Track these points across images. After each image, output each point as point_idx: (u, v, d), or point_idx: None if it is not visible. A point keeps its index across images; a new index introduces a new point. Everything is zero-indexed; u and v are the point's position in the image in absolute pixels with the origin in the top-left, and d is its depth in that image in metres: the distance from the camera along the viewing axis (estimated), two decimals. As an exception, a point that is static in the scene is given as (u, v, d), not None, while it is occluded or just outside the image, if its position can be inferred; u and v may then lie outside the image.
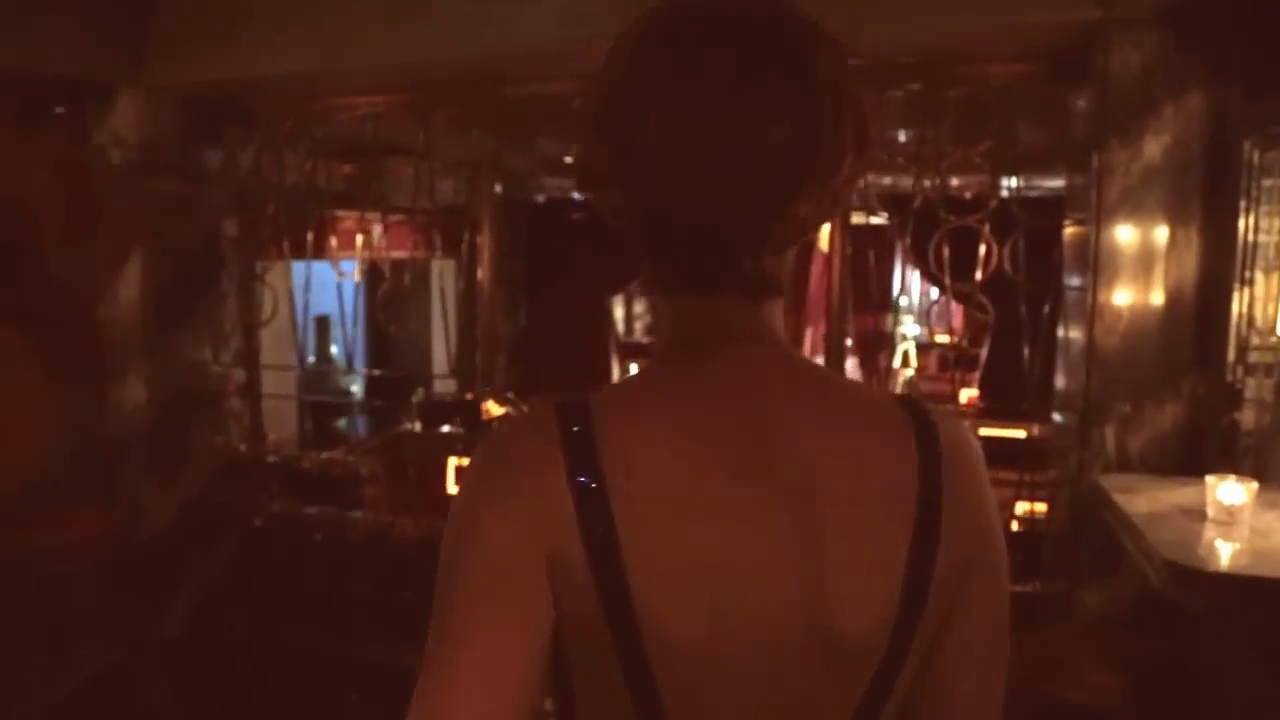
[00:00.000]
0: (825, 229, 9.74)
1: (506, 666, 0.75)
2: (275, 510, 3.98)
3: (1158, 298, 2.50)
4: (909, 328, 11.32)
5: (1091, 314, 2.51)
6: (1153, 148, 2.45)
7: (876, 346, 11.17)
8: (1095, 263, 2.52)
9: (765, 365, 0.85)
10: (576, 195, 7.20)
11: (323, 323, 5.75)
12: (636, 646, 0.77)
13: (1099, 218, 2.52)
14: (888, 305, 11.50)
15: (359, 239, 4.49)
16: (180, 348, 3.75)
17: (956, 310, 11.77)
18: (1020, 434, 6.63)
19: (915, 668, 0.84)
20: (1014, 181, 3.40)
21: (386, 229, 4.08)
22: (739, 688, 0.80)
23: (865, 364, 11.23)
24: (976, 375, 6.87)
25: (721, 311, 0.85)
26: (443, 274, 6.60)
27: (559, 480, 0.78)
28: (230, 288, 4.11)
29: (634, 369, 7.63)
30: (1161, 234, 2.50)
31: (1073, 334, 2.70)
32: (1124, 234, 2.50)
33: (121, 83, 3.51)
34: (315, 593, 3.88)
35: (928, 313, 9.17)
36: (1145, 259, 2.49)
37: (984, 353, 6.81)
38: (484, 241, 3.58)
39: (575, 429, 0.79)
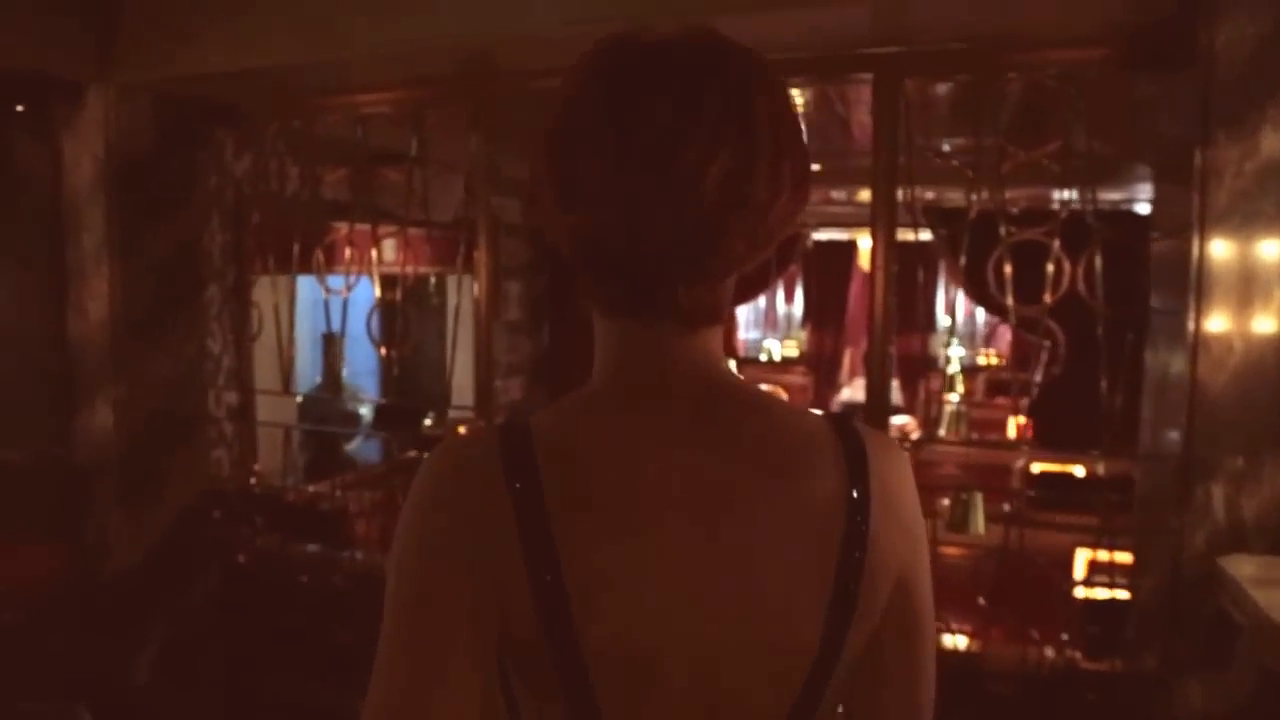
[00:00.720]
0: (866, 245, 9.22)
1: (451, 672, 0.79)
2: (259, 546, 3.63)
3: (1275, 326, 2.06)
4: (953, 349, 10.85)
5: (1194, 346, 2.07)
6: (1272, 143, 2.02)
7: (920, 369, 10.69)
8: (1198, 284, 2.08)
9: (693, 390, 0.87)
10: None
11: (331, 341, 5.41)
12: (575, 658, 0.80)
13: (1202, 229, 2.08)
14: (931, 326, 11.02)
15: (371, 252, 4.16)
16: (155, 367, 3.41)
17: (1004, 332, 11.27)
18: (1078, 470, 6.22)
19: (847, 673, 0.88)
20: (1075, 192, 2.93)
21: (403, 242, 3.70)
22: (676, 695, 0.83)
23: (907, 386, 10.74)
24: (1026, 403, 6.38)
25: (656, 337, 0.87)
26: (462, 290, 6.26)
27: (501, 499, 0.81)
28: (217, 303, 3.78)
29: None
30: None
31: (1170, 367, 2.25)
32: (1233, 248, 2.06)
33: (90, 79, 3.19)
34: (299, 638, 3.52)
35: (988, 335, 8.67)
36: (1261, 279, 2.05)
37: (1037, 378, 6.32)
38: (480, 257, 3.20)
39: (516, 449, 0.82)
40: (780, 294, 11.27)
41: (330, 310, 4.14)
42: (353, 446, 5.66)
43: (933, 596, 0.93)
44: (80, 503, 3.35)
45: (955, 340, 10.91)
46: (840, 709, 0.92)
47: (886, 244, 2.91)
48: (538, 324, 6.97)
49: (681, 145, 0.77)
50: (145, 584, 3.38)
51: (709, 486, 0.83)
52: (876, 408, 2.88)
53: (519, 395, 6.75)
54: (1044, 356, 6.26)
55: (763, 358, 10.33)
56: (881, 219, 2.91)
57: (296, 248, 3.49)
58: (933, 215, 6.41)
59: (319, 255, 3.60)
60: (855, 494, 0.85)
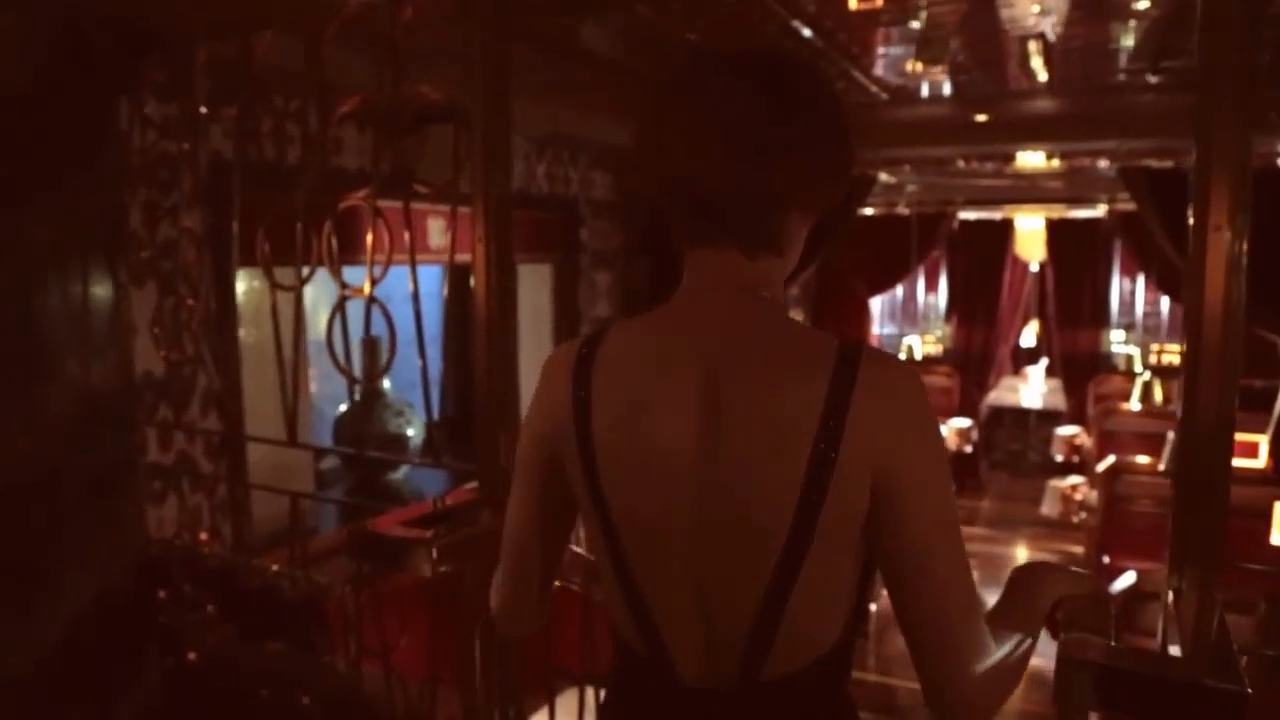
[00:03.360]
0: (1023, 225, 7.73)
1: (523, 529, 1.22)
2: (211, 643, 2.63)
3: None
4: (1127, 346, 9.21)
5: None
6: None
7: (1088, 369, 9.13)
8: None
9: (734, 307, 1.06)
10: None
11: (370, 347, 4.41)
12: (607, 518, 1.09)
13: None
14: (1103, 319, 9.43)
15: (404, 236, 3.07)
16: (43, 403, 2.43)
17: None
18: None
19: (819, 559, 1.02)
20: None
21: (451, 222, 2.51)
22: (677, 558, 1.06)
23: (1072, 391, 9.16)
24: (1268, 435, 4.88)
25: (721, 261, 1.07)
26: (534, 283, 5.20)
27: (565, 390, 1.10)
28: (168, 307, 2.78)
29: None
30: None
31: None
32: None
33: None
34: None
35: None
36: None
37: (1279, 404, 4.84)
38: (480, 232, 2.06)
39: (584, 351, 1.11)
40: (921, 282, 9.82)
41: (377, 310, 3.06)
42: (399, 475, 4.66)
43: (943, 496, 1.04)
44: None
45: (1121, 334, 9.28)
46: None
47: (1238, 173, 1.46)
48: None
49: (730, 99, 1.01)
50: (39, 703, 2.41)
51: (710, 390, 1.03)
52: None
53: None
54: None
55: (901, 355, 8.92)
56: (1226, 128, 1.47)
57: (300, 228, 2.33)
58: (1134, 176, 5.01)
59: (331, 242, 2.36)
60: (833, 399, 0.99)
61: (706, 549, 1.04)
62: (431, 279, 8.70)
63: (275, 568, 2.51)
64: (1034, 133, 5.09)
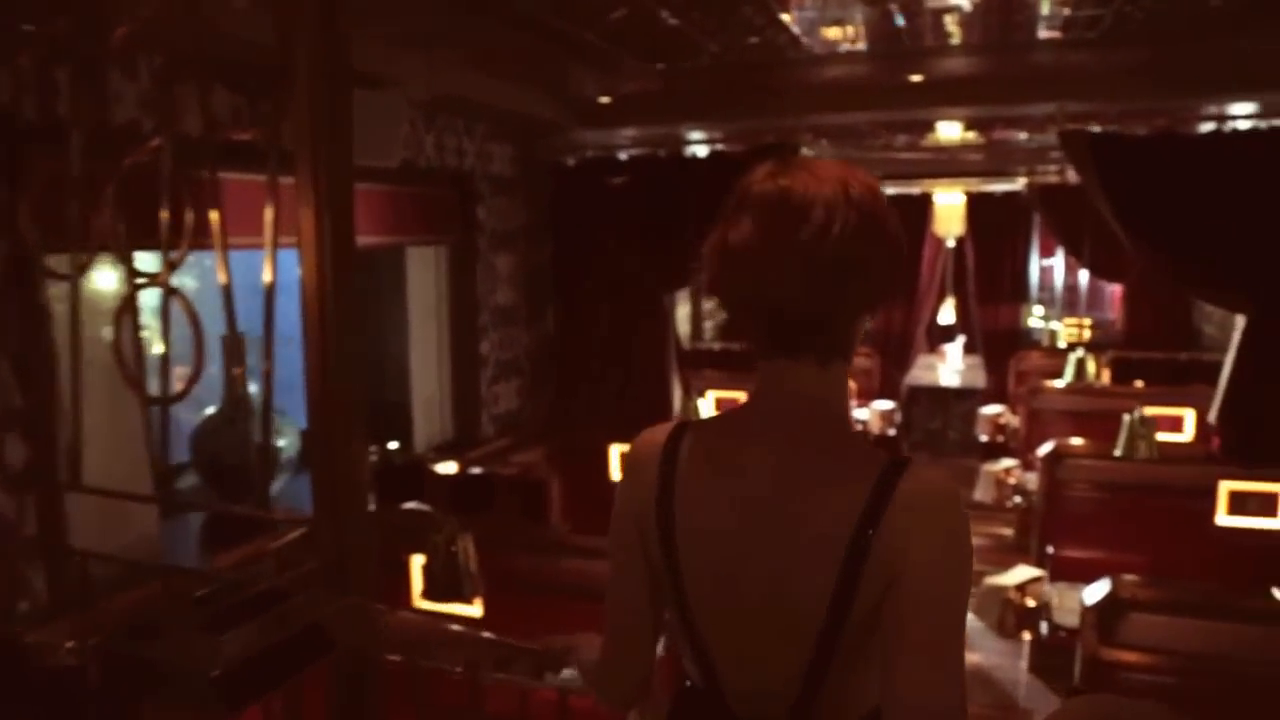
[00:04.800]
0: (942, 200, 7.44)
1: (628, 598, 1.34)
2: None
3: None
4: (1048, 323, 9.08)
5: None
6: None
7: (1009, 345, 8.95)
8: None
9: (803, 420, 1.21)
10: (623, 155, 5.20)
11: (233, 346, 3.81)
12: (679, 584, 1.24)
13: None
14: (1023, 294, 9.27)
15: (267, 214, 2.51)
16: None
17: (1113, 298, 9.46)
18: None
19: (855, 637, 1.15)
20: None
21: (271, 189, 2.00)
22: (734, 622, 1.23)
23: (992, 368, 8.95)
24: (1214, 411, 4.63)
25: (796, 372, 1.21)
26: (424, 268, 4.65)
27: (653, 480, 1.26)
28: None
29: (705, 400, 5.67)
30: None
31: None
32: None
33: None
34: None
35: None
36: None
37: (1225, 373, 4.59)
38: (308, 212, 1.54)
39: (669, 446, 1.27)
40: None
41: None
42: (276, 488, 4.07)
43: (956, 604, 1.14)
44: None
45: (1045, 309, 9.15)
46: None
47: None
48: (538, 309, 5.35)
49: (807, 216, 1.14)
50: None
51: (771, 492, 1.18)
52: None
53: (515, 404, 5.16)
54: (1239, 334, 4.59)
55: (821, 338, 8.55)
56: None
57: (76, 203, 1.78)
58: (1075, 140, 4.70)
59: (116, 216, 1.84)
60: (869, 511, 1.12)
61: (758, 621, 1.20)
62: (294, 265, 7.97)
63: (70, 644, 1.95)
64: (959, 95, 4.73)
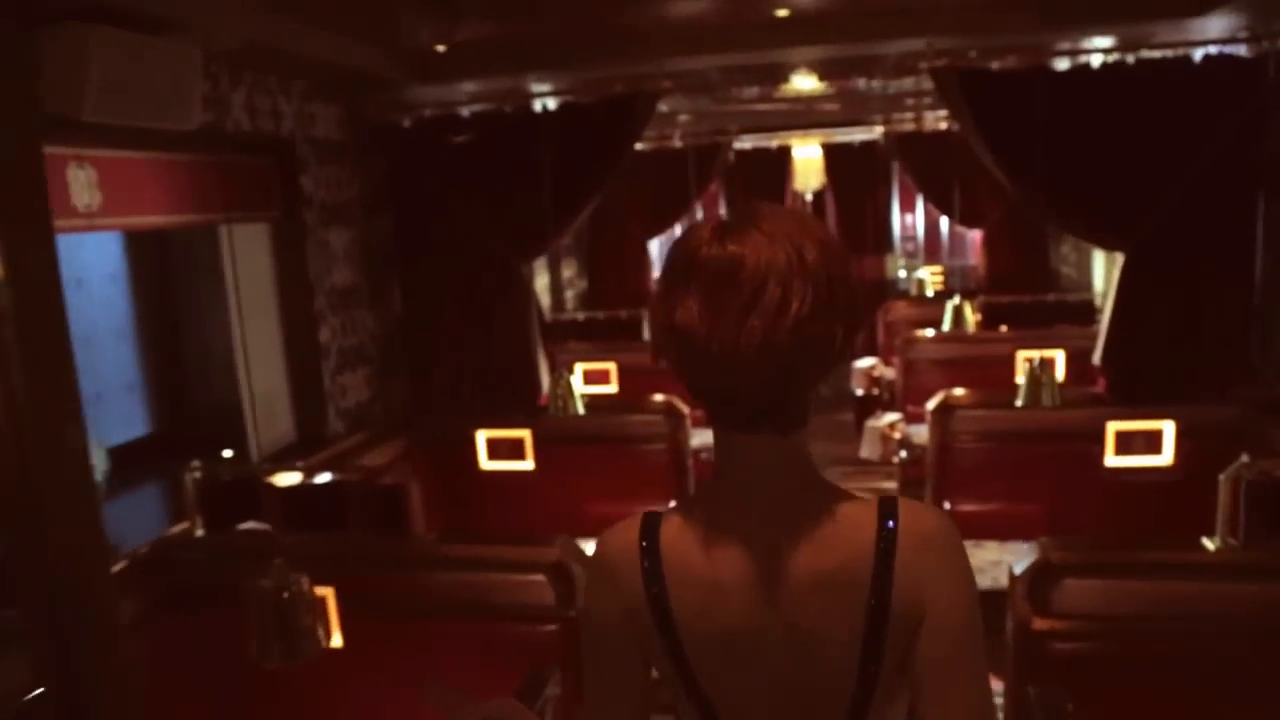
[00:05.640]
0: (802, 154, 7.22)
1: (617, 702, 1.26)
2: None
3: None
4: (916, 272, 9.02)
5: None
6: None
7: (875, 298, 8.86)
8: None
9: (779, 486, 1.16)
10: (465, 112, 4.68)
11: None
12: (693, 686, 1.19)
13: None
14: (886, 244, 9.20)
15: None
16: None
17: (973, 245, 9.48)
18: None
19: (886, 695, 1.15)
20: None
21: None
22: (759, 712, 1.19)
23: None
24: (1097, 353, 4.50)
25: (756, 442, 1.15)
26: (251, 247, 4.06)
27: (636, 584, 1.18)
28: None
29: (575, 376, 5.20)
30: None
31: None
32: None
33: None
34: None
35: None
36: None
37: (1106, 313, 4.48)
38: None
39: (645, 544, 1.18)
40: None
41: None
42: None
43: (970, 620, 1.14)
44: None
45: (907, 259, 9.10)
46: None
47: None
48: (382, 288, 4.80)
49: (760, 295, 1.05)
50: None
51: (771, 567, 1.13)
52: None
53: (365, 395, 4.62)
54: (1118, 273, 4.47)
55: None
56: None
57: None
58: (946, 78, 4.46)
59: None
60: (880, 560, 1.10)
61: (785, 706, 1.18)
62: (112, 254, 7.02)
63: None
64: (818, 33, 4.43)
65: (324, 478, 3.15)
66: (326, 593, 2.89)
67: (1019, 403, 3.85)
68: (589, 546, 4.00)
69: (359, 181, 4.62)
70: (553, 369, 5.09)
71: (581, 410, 4.21)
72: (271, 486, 3.04)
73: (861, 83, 6.73)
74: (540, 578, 2.78)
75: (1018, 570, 2.66)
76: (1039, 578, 2.59)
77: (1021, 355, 6.68)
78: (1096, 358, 4.48)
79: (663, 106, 6.96)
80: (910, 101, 7.37)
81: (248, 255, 4.01)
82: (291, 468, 3.18)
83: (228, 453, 4.18)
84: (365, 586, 2.93)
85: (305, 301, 4.18)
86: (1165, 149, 4.01)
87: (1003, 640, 2.69)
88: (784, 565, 1.13)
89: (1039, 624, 2.63)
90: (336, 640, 2.93)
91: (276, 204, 4.03)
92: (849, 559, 1.11)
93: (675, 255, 1.13)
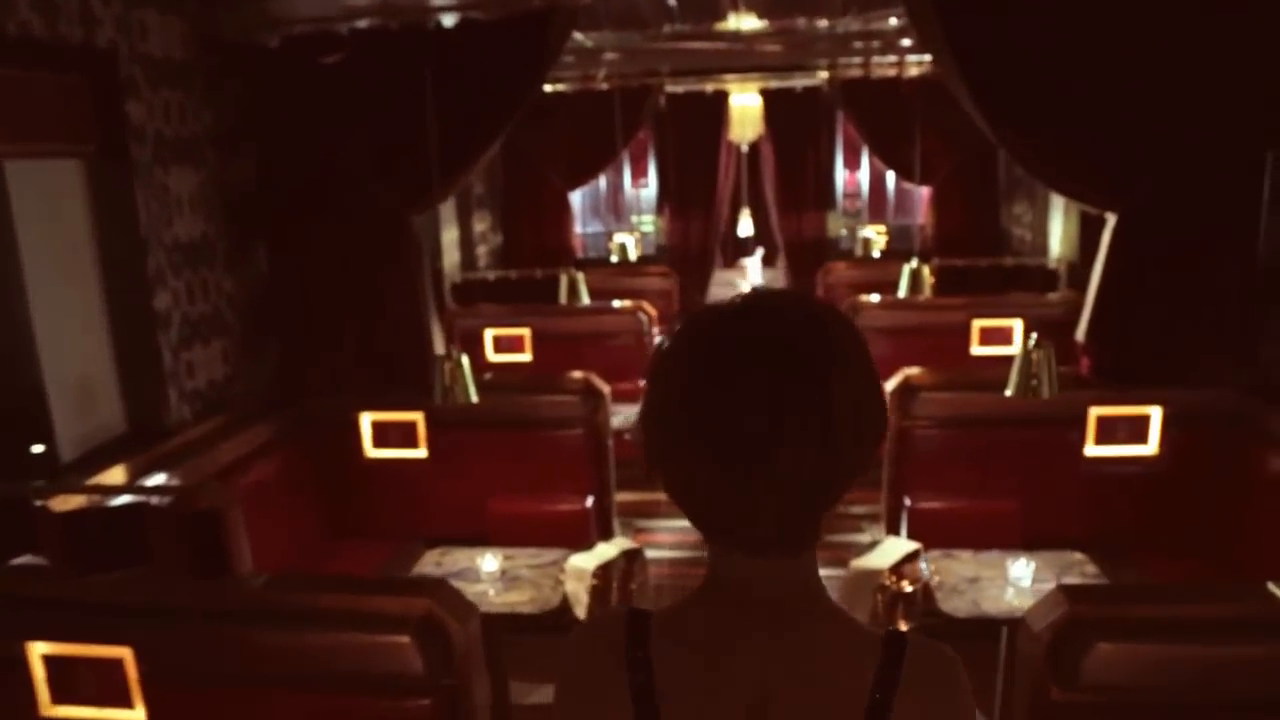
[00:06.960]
0: (739, 100, 6.54)
1: None
2: None
3: None
4: (863, 231, 8.38)
5: None
6: None
7: (815, 257, 8.25)
8: None
9: (785, 612, 1.02)
10: (343, 29, 3.85)
11: None
12: None
13: None
14: (828, 201, 8.55)
15: None
16: None
17: (921, 203, 8.87)
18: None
19: None
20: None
21: None
22: None
23: (798, 281, 8.24)
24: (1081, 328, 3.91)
25: (763, 567, 1.01)
26: (55, 192, 3.22)
27: (623, 688, 1.02)
28: None
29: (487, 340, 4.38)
30: None
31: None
32: None
33: None
34: None
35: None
36: None
37: (1093, 285, 3.88)
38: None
39: (636, 648, 1.03)
40: (627, 171, 8.46)
41: None
42: None
43: None
44: None
45: (850, 217, 8.44)
46: None
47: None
48: (243, 244, 3.98)
49: (776, 447, 0.90)
50: None
51: (767, 690, 1.00)
52: None
53: (220, 374, 3.81)
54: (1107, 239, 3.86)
55: (614, 258, 7.56)
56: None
57: None
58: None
59: None
60: (877, 698, 0.98)
61: None
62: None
63: None
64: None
65: (120, 500, 2.38)
66: (123, 654, 2.17)
67: (1009, 392, 3.22)
68: (490, 562, 3.30)
69: (210, 113, 3.78)
70: (449, 342, 4.33)
71: (475, 398, 3.48)
72: (48, 512, 2.27)
73: (805, 21, 6.11)
74: (404, 638, 2.07)
75: (1035, 627, 2.03)
76: (1065, 640, 1.97)
77: (977, 325, 6.19)
78: (1080, 333, 3.89)
79: (587, 42, 6.26)
80: (858, 44, 6.73)
81: (49, 200, 3.17)
82: (78, 489, 2.40)
83: (38, 448, 3.39)
84: (174, 645, 2.20)
85: (136, 259, 3.35)
86: (1173, 93, 3.40)
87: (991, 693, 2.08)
88: (778, 696, 1.01)
89: (1058, 695, 2.02)
90: (139, 715, 2.21)
91: (90, 136, 3.18)
92: (844, 699, 1.01)
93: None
